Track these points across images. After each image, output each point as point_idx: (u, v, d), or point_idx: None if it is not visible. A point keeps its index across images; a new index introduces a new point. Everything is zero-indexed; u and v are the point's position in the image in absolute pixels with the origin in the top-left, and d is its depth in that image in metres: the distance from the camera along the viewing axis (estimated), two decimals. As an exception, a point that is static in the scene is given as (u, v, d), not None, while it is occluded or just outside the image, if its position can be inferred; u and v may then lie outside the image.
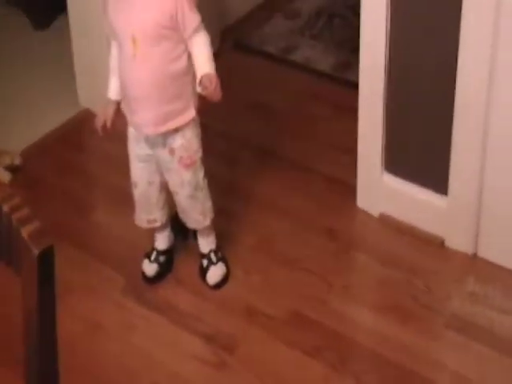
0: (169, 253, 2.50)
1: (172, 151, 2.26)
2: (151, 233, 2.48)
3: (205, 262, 2.46)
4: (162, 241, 2.49)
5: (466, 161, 2.40)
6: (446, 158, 2.43)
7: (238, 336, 2.31)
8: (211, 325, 2.35)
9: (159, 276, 2.47)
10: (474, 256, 2.52)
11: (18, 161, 2.84)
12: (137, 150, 2.31)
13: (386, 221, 2.64)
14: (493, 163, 2.37)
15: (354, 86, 2.64)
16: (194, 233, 2.48)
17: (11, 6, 3.58)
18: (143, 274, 2.47)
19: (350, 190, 2.69)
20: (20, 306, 1.23)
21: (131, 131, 2.30)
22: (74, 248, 2.49)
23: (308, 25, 3.51)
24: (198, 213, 2.38)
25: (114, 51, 2.25)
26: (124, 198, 2.55)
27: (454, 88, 2.32)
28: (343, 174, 2.77)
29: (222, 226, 2.54)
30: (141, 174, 2.33)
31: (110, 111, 2.29)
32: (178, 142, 2.25)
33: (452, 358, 2.28)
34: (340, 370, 2.23)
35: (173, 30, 2.13)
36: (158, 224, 2.43)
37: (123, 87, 2.23)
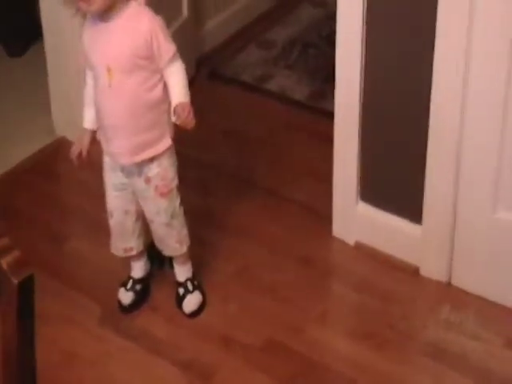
0: (145, 281, 2.50)
1: (148, 180, 2.26)
2: (127, 261, 2.48)
3: (181, 291, 2.46)
4: (138, 269, 2.48)
5: (439, 191, 2.43)
6: (421, 187, 2.46)
7: (215, 364, 2.31)
8: (188, 353, 2.34)
9: (135, 304, 2.46)
10: (448, 284, 2.54)
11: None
12: (113, 178, 2.30)
13: (361, 249, 2.66)
14: (466, 194, 2.40)
15: (329, 115, 2.67)
16: (170, 260, 2.48)
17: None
18: (119, 302, 2.46)
19: (325, 218, 2.71)
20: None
21: (107, 160, 2.30)
22: (49, 277, 2.47)
23: (282, 54, 3.54)
24: (174, 240, 2.38)
25: (90, 80, 2.26)
26: (99, 227, 2.55)
27: (428, 119, 2.35)
28: (319, 203, 2.78)
29: (198, 254, 2.54)
30: (117, 202, 2.33)
31: (86, 141, 2.29)
32: (153, 170, 2.25)
33: (427, 384, 2.29)
34: (316, 398, 2.23)
35: (148, 60, 2.14)
36: (134, 252, 2.43)
37: (99, 116, 2.23)
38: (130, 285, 2.47)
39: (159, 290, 2.52)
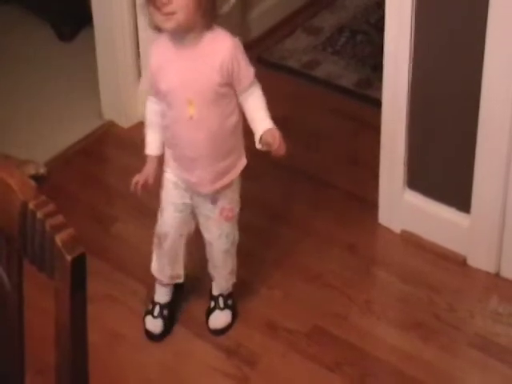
0: (171, 304, 2.35)
1: (215, 200, 2.16)
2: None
3: (212, 303, 2.35)
4: (164, 294, 2.33)
5: (489, 179, 2.39)
6: (469, 175, 2.43)
7: (260, 350, 2.31)
8: (233, 339, 2.34)
9: (166, 331, 2.32)
10: (497, 275, 2.50)
11: (42, 170, 2.84)
12: (175, 198, 2.17)
13: (407, 238, 2.63)
14: (517, 181, 2.36)
15: (376, 102, 2.65)
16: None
17: (37, 16, 3.60)
18: (148, 332, 2.32)
19: (371, 206, 2.69)
20: (51, 313, 1.23)
21: (170, 178, 2.17)
22: (96, 259, 2.48)
23: (330, 41, 3.52)
24: (228, 271, 2.29)
25: (154, 106, 2.12)
26: (145, 210, 2.55)
27: (479, 105, 2.31)
28: (365, 190, 2.76)
29: (244, 242, 2.53)
30: (174, 224, 2.19)
31: (151, 169, 2.15)
32: (223, 192, 2.16)
33: (474, 376, 2.26)
34: (361, 385, 2.22)
35: (229, 87, 2.02)
36: (181, 280, 2.30)
37: (175, 147, 2.10)
38: (157, 311, 2.32)
39: (204, 276, 2.50)
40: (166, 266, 2.28)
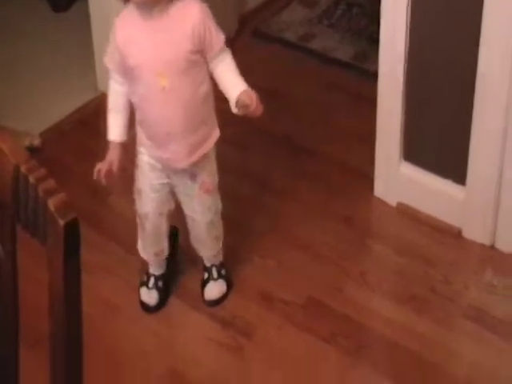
0: (166, 276, 2.35)
1: (194, 176, 2.13)
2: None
3: (205, 275, 2.34)
4: (158, 266, 2.33)
5: (485, 151, 2.38)
6: (465, 148, 2.42)
7: (255, 321, 2.31)
8: (228, 310, 2.35)
9: (161, 303, 2.32)
10: (492, 247, 2.50)
11: (37, 142, 2.84)
12: (152, 179, 2.14)
13: (403, 210, 2.63)
14: (513, 153, 2.35)
15: (372, 75, 2.64)
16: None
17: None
18: (143, 304, 2.32)
19: (367, 178, 2.68)
20: (44, 283, 1.22)
21: (144, 159, 2.13)
22: (91, 231, 2.48)
23: (326, 13, 3.49)
24: (212, 238, 2.26)
25: (117, 86, 2.07)
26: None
27: (475, 76, 2.30)
28: (361, 163, 2.76)
29: (236, 212, 2.53)
30: (153, 205, 2.17)
31: (115, 156, 2.09)
32: (201, 167, 2.13)
33: (469, 347, 2.27)
34: (356, 356, 2.22)
35: (200, 54, 1.99)
36: (165, 254, 2.30)
37: (146, 125, 2.06)
38: (152, 283, 2.32)
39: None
40: (149, 246, 2.27)
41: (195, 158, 2.09)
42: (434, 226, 2.56)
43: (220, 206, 2.25)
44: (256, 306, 2.35)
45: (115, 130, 2.11)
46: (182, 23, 1.96)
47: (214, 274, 2.34)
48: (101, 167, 2.10)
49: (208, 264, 2.35)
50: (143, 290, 2.34)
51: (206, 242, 2.28)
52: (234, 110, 2.03)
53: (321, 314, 2.33)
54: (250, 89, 2.02)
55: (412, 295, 2.37)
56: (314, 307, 2.34)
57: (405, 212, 2.62)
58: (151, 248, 2.28)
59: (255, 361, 2.22)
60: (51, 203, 1.15)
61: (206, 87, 2.05)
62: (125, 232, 2.57)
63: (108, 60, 2.07)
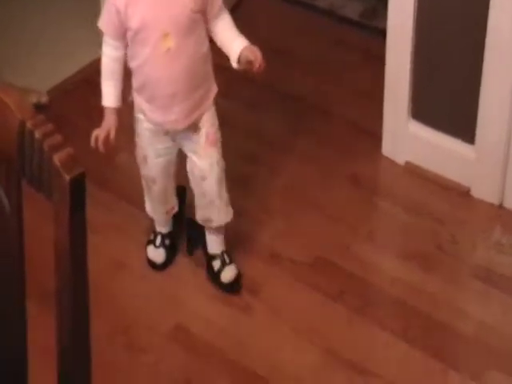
0: (173, 234, 2.34)
1: (198, 130, 2.11)
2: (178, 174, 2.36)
3: (216, 264, 2.27)
4: (166, 223, 2.32)
5: (494, 110, 2.36)
6: (474, 106, 2.40)
7: (262, 279, 2.31)
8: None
9: (169, 261, 2.32)
10: (500, 206, 2.49)
11: (44, 99, 2.83)
12: (155, 144, 2.13)
13: (411, 169, 2.61)
14: (523, 111, 2.33)
15: (381, 33, 2.60)
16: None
17: None
18: (150, 261, 2.33)
19: (375, 137, 2.67)
20: (50, 241, 1.21)
21: (145, 126, 2.12)
22: (98, 188, 2.47)
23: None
24: (224, 203, 2.20)
25: (113, 53, 2.05)
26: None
27: (485, 34, 2.27)
28: (369, 121, 2.74)
29: (245, 171, 2.52)
30: (159, 169, 2.17)
31: (112, 122, 2.07)
32: (203, 119, 2.11)
33: (476, 306, 2.26)
34: (363, 314, 2.22)
35: (201, 13, 1.99)
36: (176, 210, 2.29)
37: (151, 87, 2.03)
38: (159, 241, 2.31)
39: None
40: (158, 206, 2.27)
41: (196, 115, 2.09)
42: (442, 184, 2.55)
43: (224, 164, 2.22)
44: (263, 264, 2.35)
45: (111, 96, 2.09)
46: None
47: (227, 259, 2.28)
48: (98, 134, 2.07)
49: (218, 251, 2.28)
50: (150, 248, 2.34)
51: (220, 207, 2.21)
52: (235, 65, 2.03)
53: (329, 272, 2.33)
54: (251, 45, 2.02)
55: (420, 254, 2.37)
56: (321, 265, 2.34)
57: (413, 171, 2.60)
58: (160, 208, 2.28)
59: (262, 317, 2.23)
60: (57, 158, 1.14)
61: (206, 46, 2.06)
62: (133, 190, 2.55)
63: (102, 24, 2.04)
